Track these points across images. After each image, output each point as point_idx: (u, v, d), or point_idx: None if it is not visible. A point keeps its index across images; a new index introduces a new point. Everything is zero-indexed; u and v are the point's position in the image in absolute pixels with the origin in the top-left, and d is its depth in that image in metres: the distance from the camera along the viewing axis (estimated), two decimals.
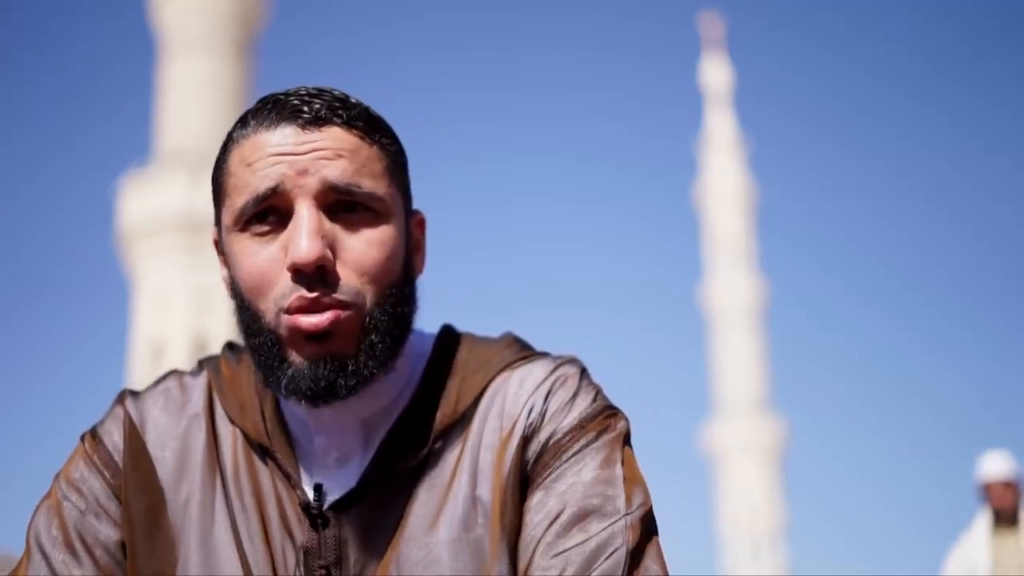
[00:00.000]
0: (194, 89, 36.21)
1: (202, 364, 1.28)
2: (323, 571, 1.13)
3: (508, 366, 1.20)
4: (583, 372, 1.21)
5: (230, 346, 1.29)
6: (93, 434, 1.23)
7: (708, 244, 61.07)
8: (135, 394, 1.25)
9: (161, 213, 34.56)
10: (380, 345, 1.11)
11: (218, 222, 1.18)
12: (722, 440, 57.85)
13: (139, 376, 33.59)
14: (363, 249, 1.11)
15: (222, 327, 34.69)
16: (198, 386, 1.24)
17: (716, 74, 64.38)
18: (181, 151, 35.55)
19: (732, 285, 59.38)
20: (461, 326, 1.29)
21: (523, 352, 1.23)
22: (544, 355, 1.23)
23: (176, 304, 34.65)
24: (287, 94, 1.13)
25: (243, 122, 1.13)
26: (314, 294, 1.07)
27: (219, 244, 1.20)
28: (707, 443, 58.79)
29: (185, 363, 32.43)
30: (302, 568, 1.14)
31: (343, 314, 1.08)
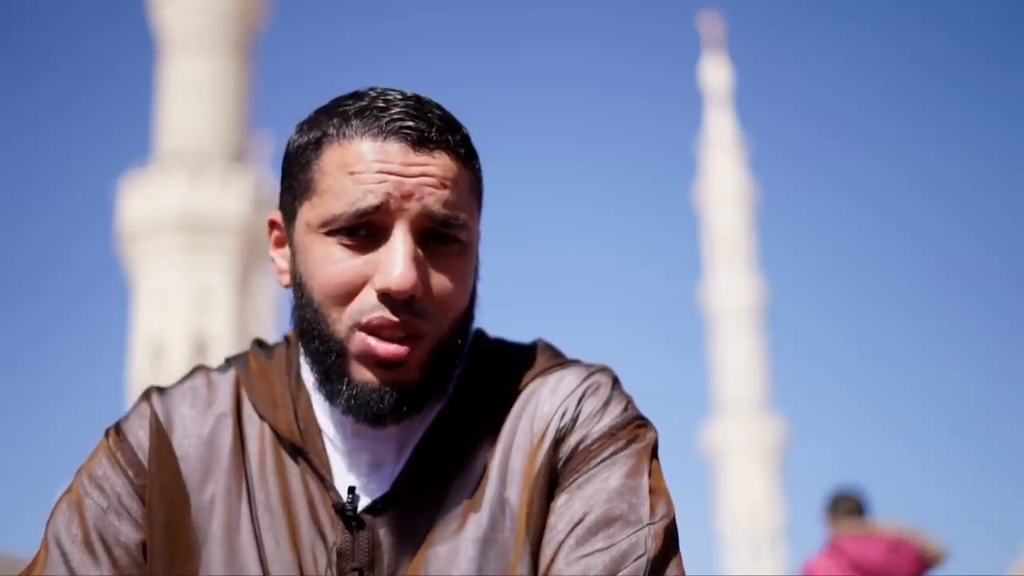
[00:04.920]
0: (194, 89, 36.14)
1: (229, 361, 1.27)
2: (356, 573, 1.13)
3: (542, 372, 1.21)
4: (615, 381, 1.22)
5: (260, 343, 1.28)
6: (117, 430, 1.22)
7: (708, 244, 61.02)
8: (161, 391, 1.24)
9: (161, 213, 34.49)
10: (442, 374, 1.13)
11: (286, 208, 1.17)
12: (722, 440, 57.80)
13: (139, 376, 33.52)
14: (448, 282, 1.12)
15: (222, 327, 34.66)
16: (225, 383, 1.23)
17: (716, 74, 64.32)
18: (181, 151, 35.48)
19: (732, 285, 59.34)
20: None
21: (556, 359, 1.24)
22: (576, 362, 1.23)
23: (176, 304, 34.59)
24: (388, 101, 1.11)
25: (344, 120, 1.11)
26: (397, 319, 1.07)
27: (281, 227, 1.19)
28: (707, 443, 58.75)
29: (185, 363, 32.40)
30: (334, 569, 1.13)
31: (418, 344, 1.09)
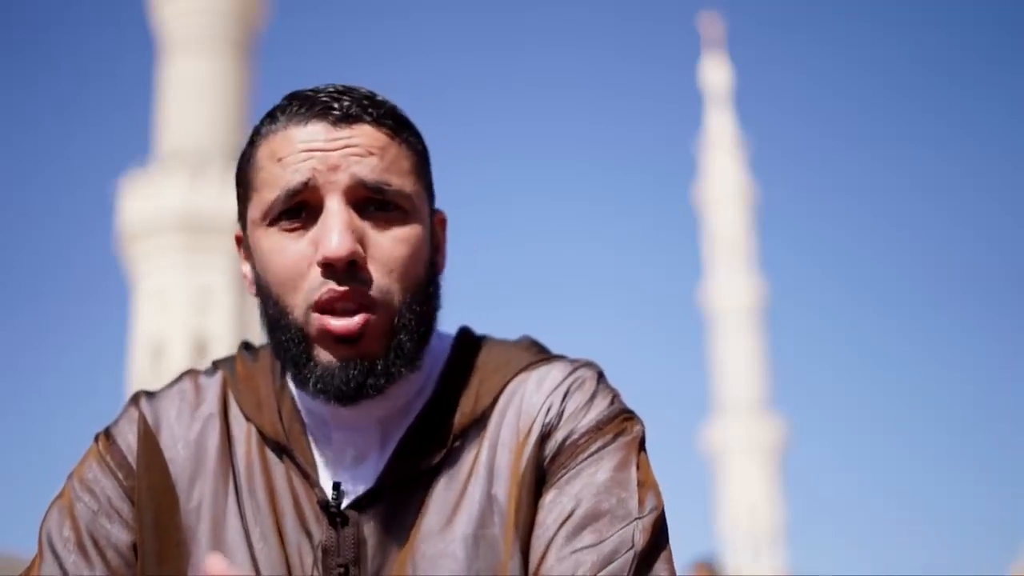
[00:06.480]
0: (194, 89, 36.17)
1: (217, 364, 1.28)
2: (341, 570, 1.14)
3: (526, 367, 1.21)
4: (600, 376, 1.22)
5: (246, 346, 1.29)
6: (107, 434, 1.23)
7: (708, 244, 61.03)
8: (150, 395, 1.25)
9: (161, 213, 34.53)
10: (408, 345, 1.12)
11: (242, 217, 1.19)
12: (722, 440, 57.80)
13: (139, 376, 33.56)
14: (391, 246, 1.12)
15: (222, 327, 34.69)
16: (213, 386, 1.24)
17: (716, 74, 64.31)
18: (181, 151, 35.52)
19: (732, 285, 59.34)
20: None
21: (541, 354, 1.24)
22: (562, 358, 1.24)
23: (176, 304, 34.63)
24: (315, 91, 1.14)
25: (272, 117, 1.14)
26: (344, 288, 1.08)
27: (243, 240, 1.21)
28: (707, 443, 58.76)
29: (185, 363, 32.41)
30: (320, 566, 1.14)
31: (372, 316, 1.09)
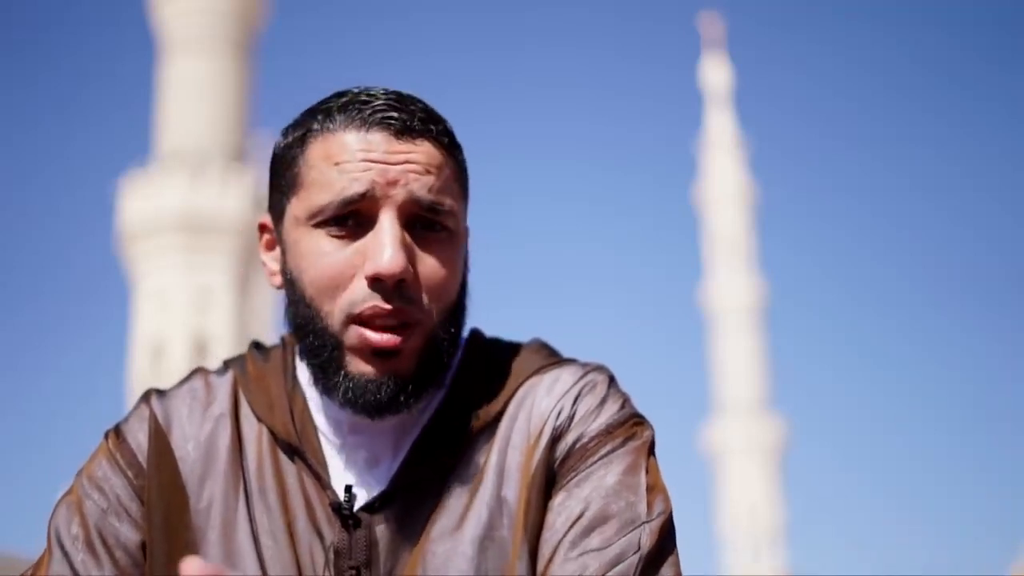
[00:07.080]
0: (194, 89, 36.07)
1: (227, 364, 1.28)
2: (353, 572, 1.14)
3: (537, 371, 1.22)
4: (611, 379, 1.22)
5: (256, 345, 1.29)
6: (117, 432, 1.23)
7: (708, 244, 61.00)
8: (161, 393, 1.25)
9: (161, 213, 34.44)
10: (436, 363, 1.13)
11: (275, 208, 1.18)
12: (722, 440, 57.77)
13: (139, 376, 33.51)
14: (436, 267, 1.12)
15: (222, 327, 34.65)
16: (223, 385, 1.24)
17: (716, 74, 64.28)
18: (181, 151, 35.43)
19: (732, 285, 59.30)
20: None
21: (552, 358, 1.24)
22: (572, 361, 1.24)
23: (176, 304, 34.57)
24: (371, 95, 1.13)
25: (327, 115, 1.13)
26: (390, 306, 1.08)
27: (271, 230, 1.20)
28: (707, 443, 58.73)
29: (185, 363, 32.41)
30: (331, 568, 1.14)
31: (411, 334, 1.10)
